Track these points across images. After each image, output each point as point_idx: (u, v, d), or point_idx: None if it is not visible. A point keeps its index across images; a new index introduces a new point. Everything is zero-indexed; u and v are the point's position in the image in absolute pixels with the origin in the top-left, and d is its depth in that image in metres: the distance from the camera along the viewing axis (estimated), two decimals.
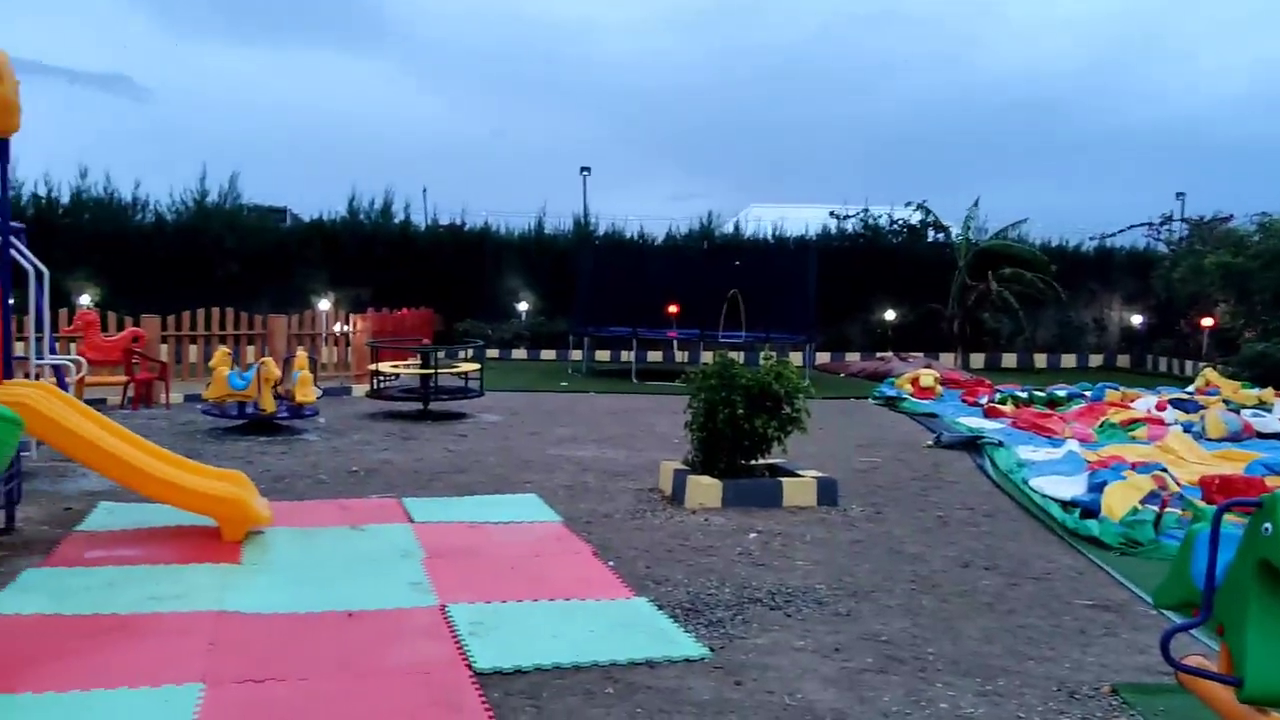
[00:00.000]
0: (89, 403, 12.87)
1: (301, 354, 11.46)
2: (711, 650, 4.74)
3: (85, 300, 17.89)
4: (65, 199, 22.86)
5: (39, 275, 8.00)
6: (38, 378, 7.75)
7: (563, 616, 5.14)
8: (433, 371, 13.16)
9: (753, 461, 8.24)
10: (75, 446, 6.22)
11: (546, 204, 31.08)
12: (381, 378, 13.30)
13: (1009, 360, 24.07)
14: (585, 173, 28.77)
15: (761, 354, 8.47)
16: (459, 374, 13.84)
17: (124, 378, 13.02)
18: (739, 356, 8.59)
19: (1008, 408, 13.98)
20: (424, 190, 26.78)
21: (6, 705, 3.89)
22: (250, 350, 15.50)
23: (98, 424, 6.63)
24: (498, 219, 26.59)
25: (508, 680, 4.32)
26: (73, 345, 12.75)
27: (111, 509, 7.27)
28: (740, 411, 7.84)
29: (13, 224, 8.42)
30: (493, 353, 22.98)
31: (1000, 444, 10.76)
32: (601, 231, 26.90)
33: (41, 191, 22.62)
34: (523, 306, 25.04)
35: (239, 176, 24.84)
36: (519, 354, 23.85)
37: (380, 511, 7.44)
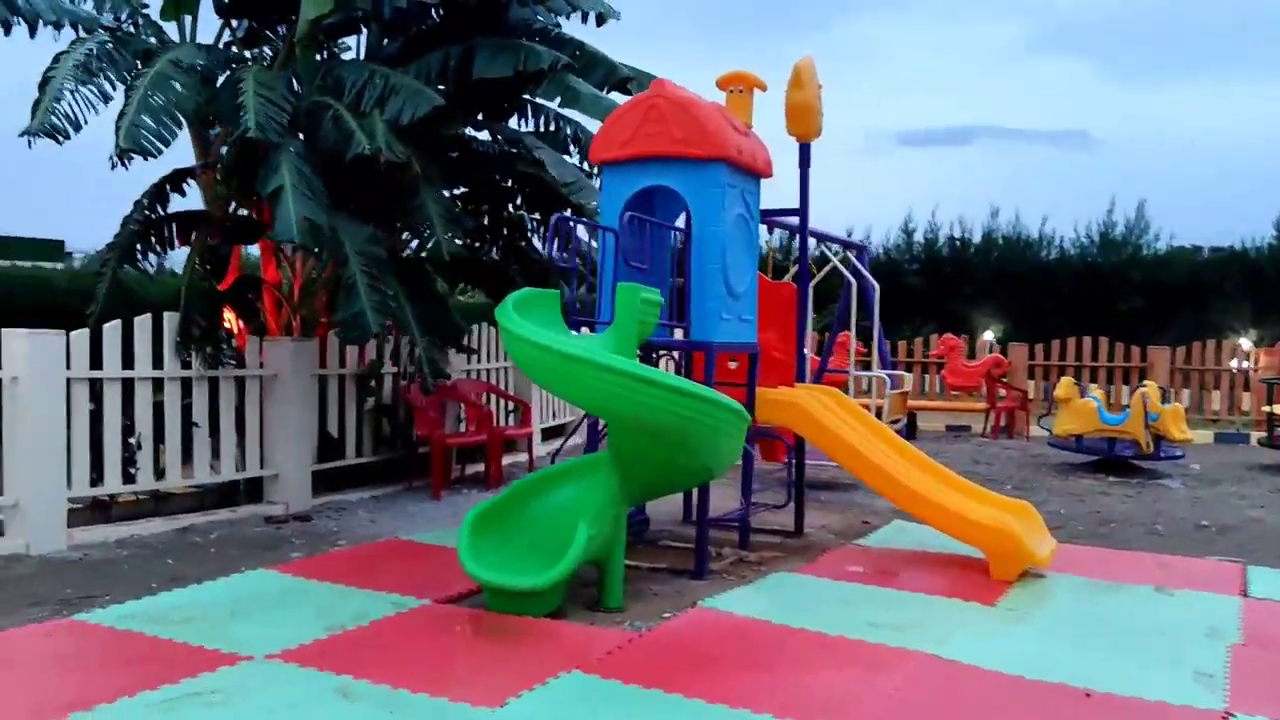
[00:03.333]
0: (954, 428, 12.95)
1: (1150, 385, 9.72)
2: None
3: (989, 336, 18.24)
4: (977, 238, 23.99)
5: (870, 290, 8.11)
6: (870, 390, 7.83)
7: None
8: None
9: None
10: (836, 449, 5.94)
11: None
12: (1278, 421, 10.81)
13: None
14: None
15: None
16: None
17: (984, 405, 12.75)
18: None
19: None
20: None
21: (643, 699, 3.65)
22: (1116, 383, 14.02)
23: (879, 437, 6.29)
24: None
25: None
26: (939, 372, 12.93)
27: (902, 527, 6.91)
28: None
29: (854, 242, 8.74)
30: None
31: None
32: None
33: (957, 233, 24.11)
34: None
35: (1145, 205, 23.48)
36: None
37: (1208, 577, 5.77)
